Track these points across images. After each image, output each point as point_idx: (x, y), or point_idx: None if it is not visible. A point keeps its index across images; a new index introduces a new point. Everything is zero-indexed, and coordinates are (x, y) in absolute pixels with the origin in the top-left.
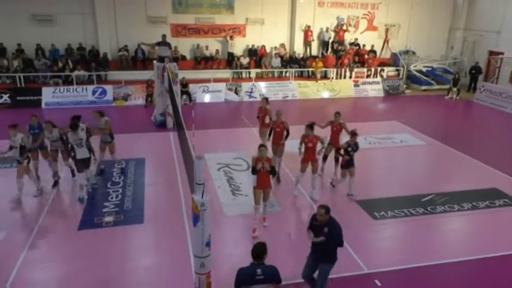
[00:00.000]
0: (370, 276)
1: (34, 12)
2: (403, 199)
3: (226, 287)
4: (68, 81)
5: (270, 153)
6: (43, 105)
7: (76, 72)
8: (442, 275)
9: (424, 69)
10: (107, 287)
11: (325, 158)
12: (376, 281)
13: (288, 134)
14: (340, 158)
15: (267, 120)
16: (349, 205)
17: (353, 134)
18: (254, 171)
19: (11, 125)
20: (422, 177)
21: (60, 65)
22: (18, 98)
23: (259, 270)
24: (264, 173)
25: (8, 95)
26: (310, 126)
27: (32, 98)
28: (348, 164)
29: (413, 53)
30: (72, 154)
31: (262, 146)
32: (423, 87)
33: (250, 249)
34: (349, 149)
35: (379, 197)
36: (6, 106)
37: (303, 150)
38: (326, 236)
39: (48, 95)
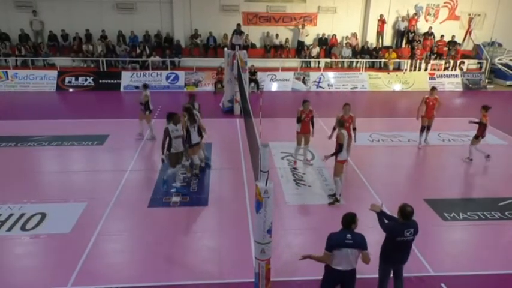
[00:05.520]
0: (436, 279)
1: (117, 1)
2: (478, 201)
3: (284, 275)
4: (144, 66)
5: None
6: (121, 89)
7: (152, 58)
8: None
9: (511, 63)
10: (171, 263)
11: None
12: (443, 285)
13: (338, 152)
14: None
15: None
16: (417, 203)
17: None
18: (299, 120)
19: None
20: (501, 179)
21: (138, 51)
22: (100, 81)
23: (349, 235)
24: (306, 122)
25: (92, 78)
26: (305, 102)
27: (112, 81)
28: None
29: (500, 45)
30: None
31: (306, 101)
32: (508, 83)
33: (310, 240)
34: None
35: (450, 197)
36: (90, 88)
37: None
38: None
39: (127, 79)
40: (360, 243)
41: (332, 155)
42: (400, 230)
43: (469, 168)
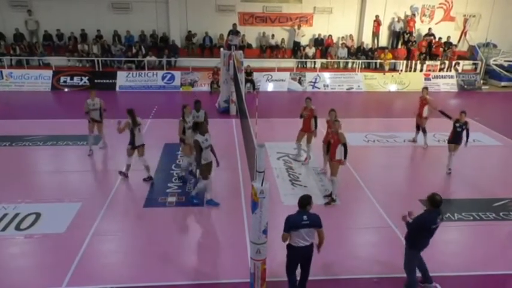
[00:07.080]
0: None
1: (113, 1)
2: (473, 202)
3: (279, 275)
4: (140, 66)
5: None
6: (117, 89)
7: (148, 58)
8: None
9: (506, 64)
10: (166, 264)
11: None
12: (437, 285)
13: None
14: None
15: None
16: (411, 204)
17: (462, 112)
18: (301, 116)
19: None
20: (496, 180)
21: (134, 51)
22: (96, 80)
23: (305, 217)
24: (307, 120)
25: (87, 77)
26: (306, 99)
27: (108, 81)
28: (454, 140)
29: (495, 46)
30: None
31: (307, 98)
32: (503, 84)
33: None
34: (457, 124)
35: (445, 198)
36: (85, 88)
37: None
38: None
39: (122, 79)
40: (315, 223)
41: (345, 156)
42: (434, 218)
43: (464, 169)
